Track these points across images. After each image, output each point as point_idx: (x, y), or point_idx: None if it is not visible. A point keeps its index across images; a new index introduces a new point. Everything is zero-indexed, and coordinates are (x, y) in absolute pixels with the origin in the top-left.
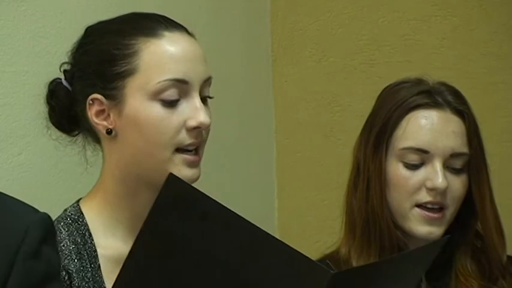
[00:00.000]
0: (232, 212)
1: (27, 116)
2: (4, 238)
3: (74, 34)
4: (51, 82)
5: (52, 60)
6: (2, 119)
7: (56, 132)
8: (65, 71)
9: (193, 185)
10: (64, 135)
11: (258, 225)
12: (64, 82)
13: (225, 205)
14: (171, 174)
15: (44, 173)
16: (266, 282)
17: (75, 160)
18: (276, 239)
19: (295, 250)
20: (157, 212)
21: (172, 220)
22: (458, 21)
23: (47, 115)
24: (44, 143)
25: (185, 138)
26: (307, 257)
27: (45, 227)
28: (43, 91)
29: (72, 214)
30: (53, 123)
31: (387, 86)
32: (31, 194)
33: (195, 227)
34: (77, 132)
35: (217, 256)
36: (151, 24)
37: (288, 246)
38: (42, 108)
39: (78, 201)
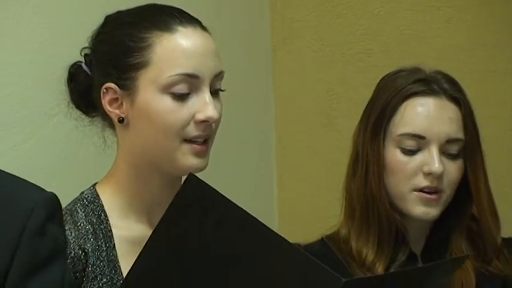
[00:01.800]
0: (249, 214)
1: (31, 105)
2: (11, 216)
3: (79, 24)
4: (72, 65)
5: (56, 51)
6: (7, 108)
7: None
8: (85, 55)
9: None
10: (84, 117)
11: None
12: (84, 66)
13: (234, 201)
14: (191, 174)
15: (49, 161)
16: (277, 285)
17: (79, 148)
18: (290, 243)
19: (309, 256)
20: (175, 209)
21: (190, 218)
22: (453, 12)
23: (67, 97)
24: (48, 132)
25: (193, 131)
26: (319, 263)
27: (51, 205)
28: (48, 80)
29: (88, 196)
30: (74, 104)
31: (385, 75)
32: (35, 182)
33: (210, 227)
34: (95, 114)
35: (231, 257)
36: (166, 18)
37: (302, 251)
38: (46, 98)
39: (94, 184)
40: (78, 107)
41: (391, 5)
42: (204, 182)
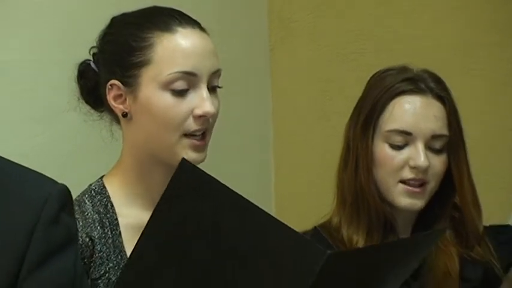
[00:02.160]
0: (239, 195)
1: (43, 101)
2: (26, 206)
3: (88, 24)
4: (81, 63)
5: (66, 50)
6: (20, 104)
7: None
8: (93, 54)
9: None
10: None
11: (257, 203)
12: (92, 64)
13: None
14: (183, 159)
15: (60, 155)
16: (265, 258)
17: (88, 143)
18: (277, 220)
19: (296, 231)
20: (170, 193)
21: (184, 201)
22: (437, 14)
23: (77, 93)
24: (59, 128)
25: (191, 125)
26: (305, 238)
27: (64, 197)
28: (59, 77)
29: (96, 188)
30: (83, 100)
31: (375, 73)
32: (48, 175)
33: (204, 208)
34: (103, 109)
35: (223, 234)
36: (166, 19)
37: (289, 227)
38: (57, 94)
39: (102, 177)
40: (87, 102)
41: (382, 8)
42: (196, 166)
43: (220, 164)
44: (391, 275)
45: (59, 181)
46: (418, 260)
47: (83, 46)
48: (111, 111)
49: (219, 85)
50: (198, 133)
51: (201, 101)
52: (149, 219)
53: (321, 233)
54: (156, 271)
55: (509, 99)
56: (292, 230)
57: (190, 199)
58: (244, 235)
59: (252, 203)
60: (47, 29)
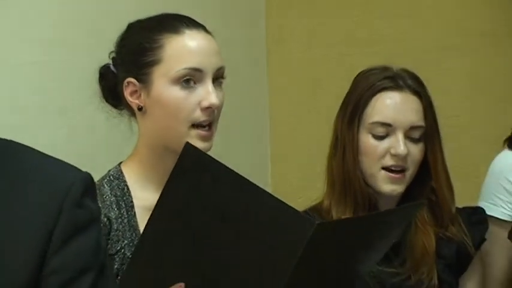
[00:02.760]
0: (236, 173)
1: (66, 97)
2: (53, 191)
3: (107, 29)
4: (102, 67)
5: (87, 52)
6: (45, 101)
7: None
8: (112, 58)
9: None
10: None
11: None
12: (111, 67)
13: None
14: (187, 143)
15: (81, 146)
16: (259, 228)
17: (107, 135)
18: (270, 194)
19: (286, 204)
20: (176, 173)
21: (188, 179)
22: (417, 19)
23: (100, 93)
24: (80, 121)
25: (199, 116)
26: (296, 210)
27: (87, 183)
28: (80, 76)
29: (114, 173)
30: (104, 99)
31: (359, 72)
32: (71, 163)
33: (206, 184)
34: (122, 107)
35: (222, 207)
36: (175, 23)
37: (280, 200)
38: (78, 92)
39: (119, 163)
40: (108, 101)
41: (365, 14)
42: (198, 148)
43: (222, 153)
44: (374, 245)
45: (82, 169)
46: (398, 231)
47: (101, 48)
48: (128, 107)
49: (223, 81)
50: (205, 123)
51: (207, 94)
52: (159, 196)
53: (310, 215)
54: (166, 241)
55: (479, 96)
56: (284, 203)
57: (194, 177)
58: (241, 208)
59: (248, 180)
60: (69, 33)
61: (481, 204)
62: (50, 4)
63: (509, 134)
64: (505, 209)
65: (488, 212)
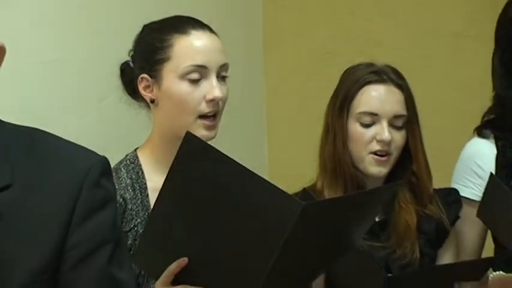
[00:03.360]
0: (232, 158)
1: (86, 90)
2: (74, 173)
3: (124, 29)
4: (123, 63)
5: (106, 50)
6: (67, 93)
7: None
8: (131, 56)
9: None
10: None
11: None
12: (130, 63)
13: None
14: (188, 132)
15: (101, 133)
16: (252, 208)
17: (125, 124)
18: (263, 178)
19: (277, 186)
20: (179, 159)
21: (189, 165)
22: (397, 21)
23: (122, 87)
24: (99, 112)
25: (204, 108)
26: (284, 192)
27: (104, 165)
28: (99, 70)
29: (130, 158)
30: (125, 92)
31: (348, 68)
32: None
33: (205, 168)
34: (141, 100)
35: (219, 188)
36: (183, 24)
37: (271, 183)
38: (97, 85)
39: (136, 149)
40: (128, 93)
41: (351, 16)
42: (197, 137)
43: (222, 140)
44: (358, 222)
45: (101, 153)
46: (380, 208)
47: (121, 46)
48: (143, 100)
49: (227, 75)
50: (209, 114)
51: (211, 88)
52: (165, 180)
53: (310, 193)
54: (173, 217)
55: (455, 92)
56: (275, 186)
57: (194, 162)
58: (236, 189)
59: (242, 164)
60: (91, 33)
61: (453, 186)
62: (71, 5)
63: (478, 124)
64: (475, 190)
65: (461, 193)
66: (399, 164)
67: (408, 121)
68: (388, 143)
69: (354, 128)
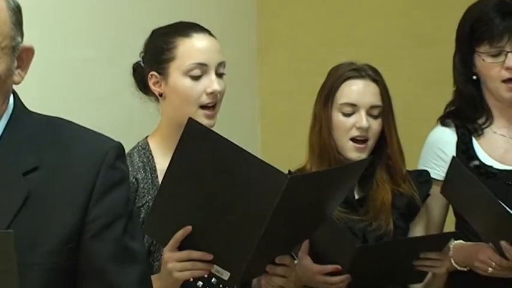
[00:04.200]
0: (228, 140)
1: (102, 85)
2: (93, 156)
3: (134, 33)
4: (135, 63)
5: (125, 51)
6: (85, 86)
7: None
8: (142, 56)
9: None
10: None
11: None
12: (141, 63)
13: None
14: (190, 118)
15: (116, 122)
16: (245, 183)
17: (137, 114)
18: (255, 156)
19: (265, 162)
20: (182, 141)
21: (192, 146)
22: (377, 25)
23: (134, 83)
24: (114, 104)
25: (205, 99)
26: (273, 167)
27: (119, 149)
28: (114, 68)
29: (142, 144)
30: (137, 87)
31: (333, 67)
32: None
33: (205, 150)
34: (151, 94)
35: (218, 166)
36: (186, 29)
37: (261, 160)
38: (112, 81)
39: (146, 137)
40: (140, 89)
41: (334, 20)
42: (198, 122)
43: (220, 128)
44: (334, 193)
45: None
46: (353, 182)
47: (133, 49)
48: (152, 94)
49: (224, 72)
50: (209, 105)
51: (210, 83)
52: (171, 159)
53: (294, 174)
54: (178, 192)
55: (425, 88)
56: (265, 162)
57: (195, 144)
58: (231, 166)
59: (237, 144)
60: (111, 36)
61: (420, 168)
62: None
63: (441, 115)
64: (438, 171)
65: None
66: (376, 150)
67: (383, 111)
68: (366, 130)
69: (337, 117)
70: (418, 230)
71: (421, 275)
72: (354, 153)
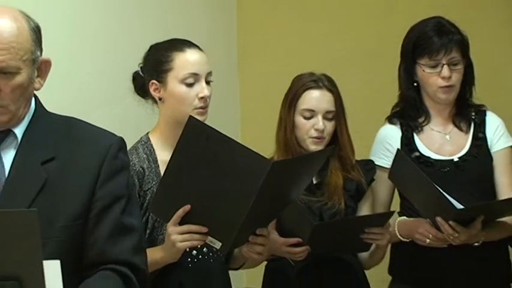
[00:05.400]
0: (221, 132)
1: (110, 89)
2: (100, 149)
3: (136, 45)
4: (134, 72)
5: (125, 58)
6: (97, 90)
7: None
8: (141, 67)
9: None
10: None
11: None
12: (140, 72)
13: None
14: (190, 116)
15: (122, 122)
16: (235, 169)
17: (140, 115)
18: (243, 145)
19: (252, 150)
20: (183, 140)
21: (191, 142)
22: (337, 41)
23: (133, 89)
24: (122, 106)
25: (197, 103)
26: (259, 154)
27: (120, 143)
28: (121, 74)
29: (144, 139)
30: (136, 93)
31: (296, 76)
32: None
33: (202, 143)
34: (148, 98)
35: (213, 157)
36: (180, 45)
37: (250, 149)
38: (118, 86)
39: (147, 133)
40: (139, 94)
41: (302, 36)
42: (198, 119)
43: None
44: (302, 177)
45: (121, 134)
46: (318, 168)
47: (136, 58)
48: (152, 98)
49: (212, 80)
50: (202, 108)
51: (202, 89)
52: (173, 150)
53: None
54: (177, 178)
55: (374, 93)
56: (252, 150)
57: (194, 137)
58: (223, 154)
59: (228, 136)
60: (114, 50)
61: (371, 157)
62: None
63: (388, 115)
64: (386, 160)
65: (376, 163)
66: (331, 143)
67: (336, 114)
68: (322, 131)
69: (299, 120)
70: (364, 209)
71: (366, 246)
72: (312, 146)
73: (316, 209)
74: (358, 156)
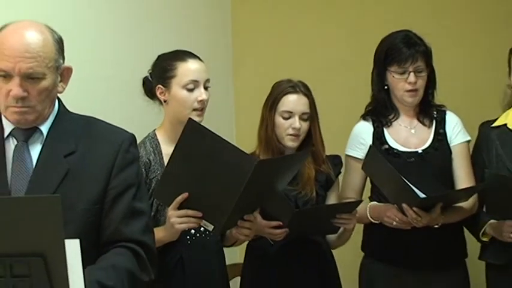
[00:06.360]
0: (215, 133)
1: (120, 91)
2: (113, 144)
3: (145, 55)
4: (144, 78)
5: (134, 65)
6: (118, 94)
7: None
8: (150, 73)
9: None
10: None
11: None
12: (149, 78)
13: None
14: (189, 118)
15: (131, 122)
16: (226, 166)
17: (147, 114)
18: (233, 145)
19: (239, 149)
20: (183, 138)
21: (190, 140)
22: (319, 51)
23: (143, 91)
24: (133, 106)
25: (197, 106)
26: (245, 152)
27: (131, 139)
28: (130, 79)
29: (151, 135)
30: (146, 95)
31: (276, 82)
32: (130, 129)
33: (199, 141)
34: (155, 100)
35: (206, 153)
36: (183, 55)
37: (238, 148)
38: (129, 88)
39: (154, 130)
40: (148, 96)
41: (291, 42)
42: (196, 121)
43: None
44: (285, 175)
45: (132, 131)
46: (298, 167)
47: (145, 66)
48: (159, 100)
49: (209, 86)
50: (200, 109)
51: (201, 94)
52: (174, 148)
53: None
54: (179, 169)
55: (353, 96)
56: (240, 149)
57: (192, 137)
58: (215, 152)
59: (221, 137)
60: (125, 57)
61: (347, 151)
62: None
63: (362, 113)
64: (360, 152)
65: (351, 154)
66: (305, 141)
67: (311, 115)
68: (298, 129)
69: (278, 120)
70: (332, 197)
71: (336, 229)
72: (290, 142)
73: (292, 197)
74: (333, 151)
